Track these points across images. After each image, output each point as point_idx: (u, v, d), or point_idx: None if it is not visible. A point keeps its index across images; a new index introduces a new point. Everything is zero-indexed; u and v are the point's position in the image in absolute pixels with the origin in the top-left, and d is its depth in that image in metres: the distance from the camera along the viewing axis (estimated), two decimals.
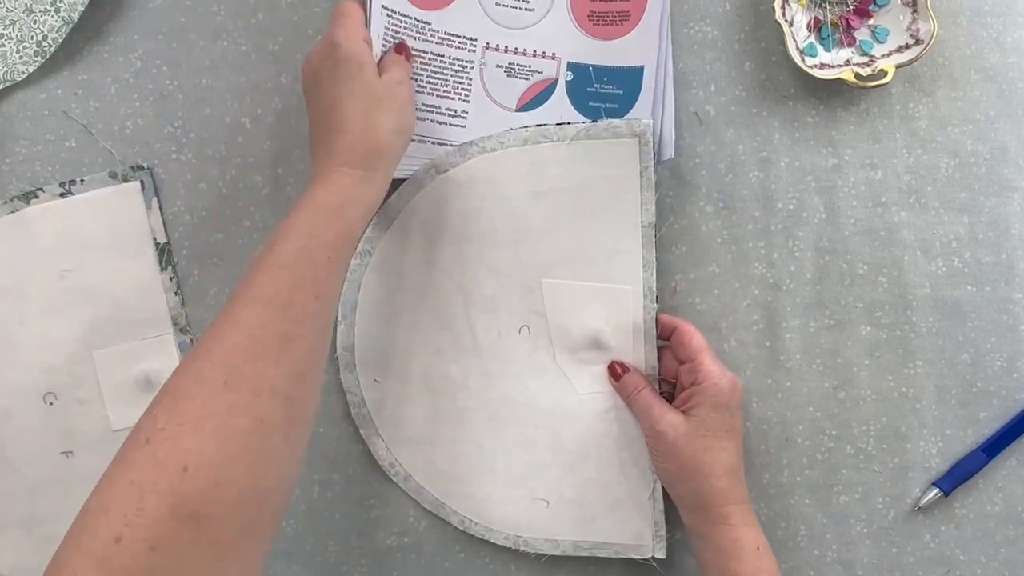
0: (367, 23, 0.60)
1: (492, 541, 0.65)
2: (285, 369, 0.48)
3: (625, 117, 0.64)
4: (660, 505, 0.64)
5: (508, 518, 0.65)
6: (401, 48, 0.62)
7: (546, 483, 0.65)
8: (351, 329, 0.65)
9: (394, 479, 0.66)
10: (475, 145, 0.64)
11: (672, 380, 0.64)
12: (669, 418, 0.60)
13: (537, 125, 0.64)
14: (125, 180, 0.65)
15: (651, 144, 0.63)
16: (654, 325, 0.64)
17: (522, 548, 0.65)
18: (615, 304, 0.64)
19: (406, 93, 0.59)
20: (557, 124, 0.64)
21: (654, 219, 0.63)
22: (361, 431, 0.66)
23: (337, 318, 0.65)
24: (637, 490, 0.64)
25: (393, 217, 0.65)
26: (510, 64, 0.65)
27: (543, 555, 0.65)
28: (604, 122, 0.63)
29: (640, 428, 0.63)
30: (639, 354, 0.64)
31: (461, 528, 0.66)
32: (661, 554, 0.64)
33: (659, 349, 0.65)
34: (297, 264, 0.51)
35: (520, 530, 0.65)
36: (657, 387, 0.64)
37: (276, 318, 0.49)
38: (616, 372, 0.64)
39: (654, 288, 0.64)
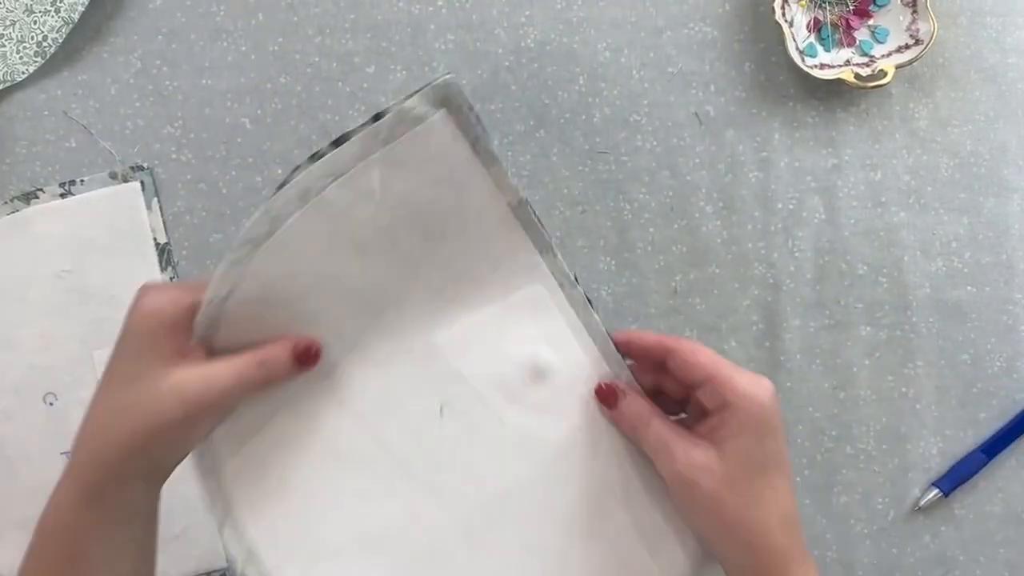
0: None
1: None
2: None
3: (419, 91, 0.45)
4: None
5: None
6: (303, 351, 0.45)
7: (577, 566, 0.48)
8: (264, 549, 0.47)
9: None
10: (243, 246, 0.44)
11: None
12: (698, 459, 0.44)
13: (309, 159, 0.44)
14: (125, 180, 0.65)
15: (465, 107, 0.45)
16: (592, 312, 0.49)
17: None
18: (534, 313, 0.49)
19: (194, 396, 0.42)
20: (332, 147, 0.44)
21: (521, 194, 0.48)
22: None
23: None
24: (671, 516, 0.48)
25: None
26: None
27: None
28: (391, 113, 0.44)
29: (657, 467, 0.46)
30: (593, 356, 0.49)
31: None
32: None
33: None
34: None
35: None
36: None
37: None
38: (609, 399, 0.48)
39: (567, 271, 0.49)
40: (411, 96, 0.44)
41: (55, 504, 0.44)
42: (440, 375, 0.48)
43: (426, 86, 0.44)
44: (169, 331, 0.43)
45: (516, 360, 0.49)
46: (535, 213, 0.48)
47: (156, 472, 0.45)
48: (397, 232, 0.47)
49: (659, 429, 0.46)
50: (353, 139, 0.44)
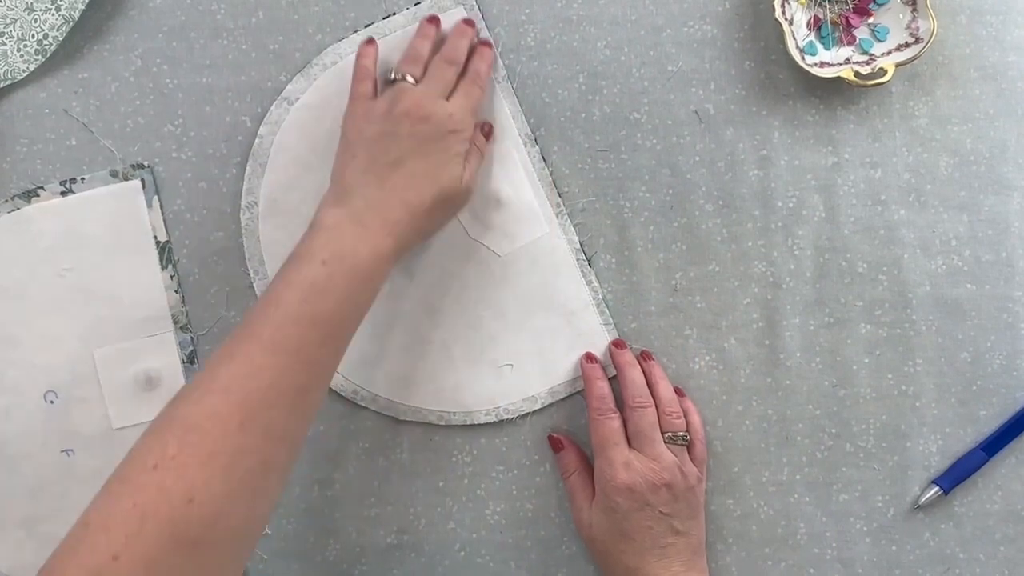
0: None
1: (475, 423, 0.66)
2: (297, 417, 0.52)
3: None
4: (604, 308, 0.66)
5: (482, 395, 0.66)
6: (488, 131, 0.65)
7: (503, 349, 0.66)
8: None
9: (362, 404, 0.66)
10: (315, 65, 0.66)
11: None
12: (583, 517, 0.63)
13: (366, 25, 0.66)
14: (126, 178, 0.65)
15: (476, 7, 0.66)
16: (545, 166, 0.66)
17: (505, 417, 0.66)
18: (503, 161, 0.66)
19: (468, 197, 0.62)
20: (384, 18, 0.66)
21: (505, 72, 0.66)
22: None
23: (250, 275, 0.66)
24: (583, 320, 0.66)
25: (264, 162, 0.65)
26: None
27: (526, 415, 0.66)
28: (427, 1, 0.66)
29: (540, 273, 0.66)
30: (539, 198, 0.66)
31: (444, 424, 0.66)
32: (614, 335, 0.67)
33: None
34: (331, 323, 0.53)
35: (497, 401, 0.66)
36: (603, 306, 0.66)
37: (299, 371, 0.52)
38: (554, 447, 0.65)
39: (531, 133, 0.66)
40: None
41: (375, 252, 0.56)
42: None
43: None
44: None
45: (486, 192, 0.66)
46: (515, 89, 0.66)
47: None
48: None
49: (572, 483, 0.64)
50: (401, 13, 0.66)
